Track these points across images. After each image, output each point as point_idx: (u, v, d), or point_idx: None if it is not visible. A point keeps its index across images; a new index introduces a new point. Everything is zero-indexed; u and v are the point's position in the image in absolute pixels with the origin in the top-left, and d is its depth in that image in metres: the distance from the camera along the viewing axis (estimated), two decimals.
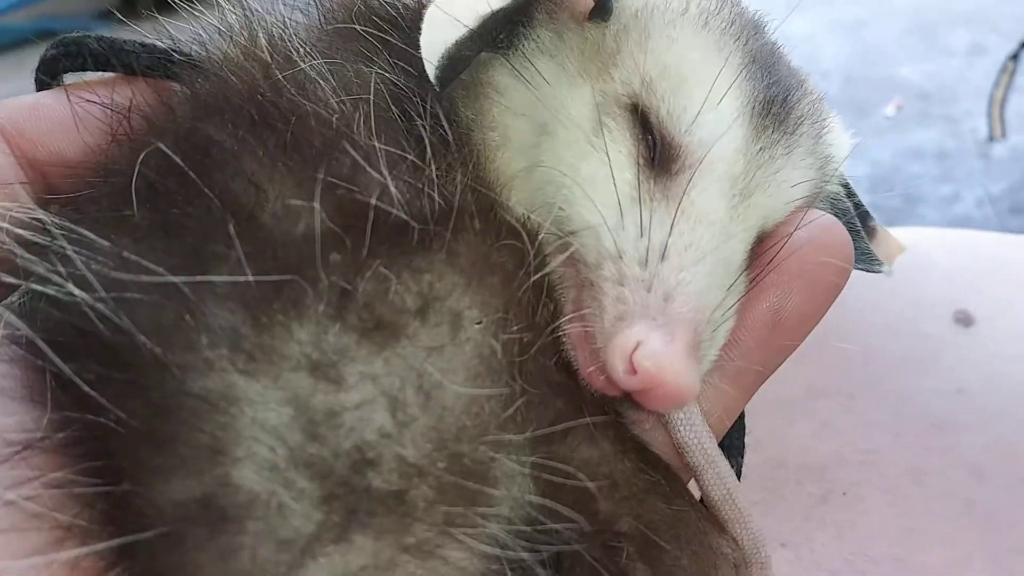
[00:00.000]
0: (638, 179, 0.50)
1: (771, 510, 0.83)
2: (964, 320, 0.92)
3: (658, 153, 0.51)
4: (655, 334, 0.45)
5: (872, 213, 0.64)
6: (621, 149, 0.51)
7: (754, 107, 0.53)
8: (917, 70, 3.29)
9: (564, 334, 0.49)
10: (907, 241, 0.65)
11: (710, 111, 0.51)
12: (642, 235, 0.49)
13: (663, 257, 0.48)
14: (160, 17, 0.58)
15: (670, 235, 0.49)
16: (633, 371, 0.45)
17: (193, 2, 0.58)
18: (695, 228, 0.49)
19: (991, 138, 2.89)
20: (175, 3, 0.60)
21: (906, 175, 2.86)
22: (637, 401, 0.47)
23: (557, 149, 0.52)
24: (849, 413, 0.88)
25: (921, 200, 2.79)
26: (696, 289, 0.48)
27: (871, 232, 0.63)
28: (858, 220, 0.63)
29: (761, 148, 0.52)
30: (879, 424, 0.87)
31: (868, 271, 0.61)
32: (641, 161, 0.51)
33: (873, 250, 0.62)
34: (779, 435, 0.88)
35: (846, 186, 0.62)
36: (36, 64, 0.56)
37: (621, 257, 0.48)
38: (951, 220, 2.66)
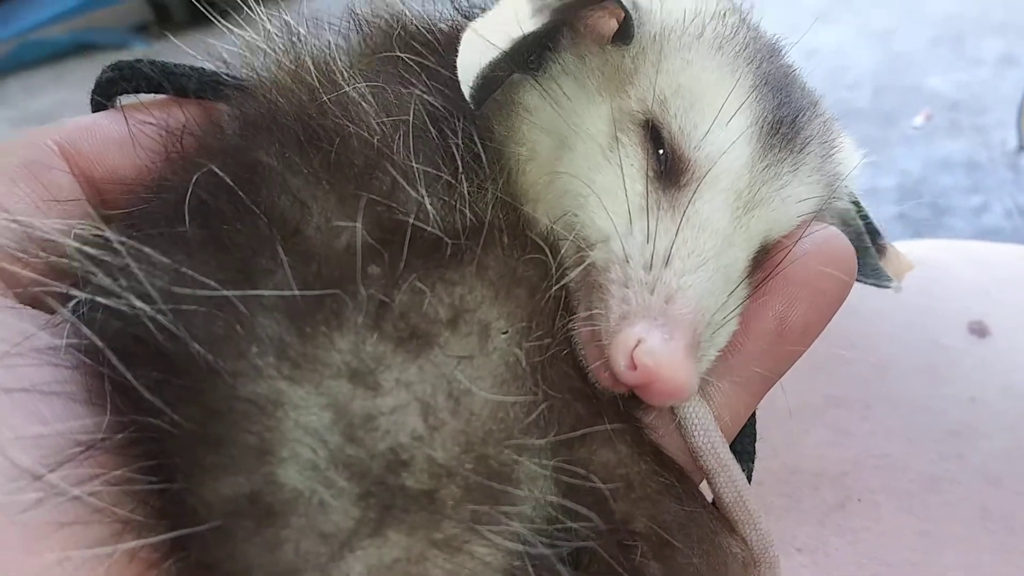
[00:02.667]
0: (647, 190, 0.53)
1: (787, 515, 0.85)
2: (979, 331, 0.94)
3: (668, 167, 0.54)
4: (655, 332, 0.48)
5: (899, 223, 0.66)
6: (633, 162, 0.54)
7: (762, 126, 0.55)
8: (947, 80, 3.28)
9: (576, 334, 0.52)
10: (922, 254, 0.67)
11: (719, 129, 0.54)
12: (648, 241, 0.52)
13: (667, 262, 0.51)
14: (194, 30, 0.61)
15: (674, 242, 0.52)
16: (634, 367, 0.48)
17: (227, 17, 0.61)
18: (698, 236, 0.52)
19: (1021, 148, 2.88)
20: (209, 16, 0.63)
21: (935, 186, 2.85)
22: (640, 396, 0.50)
23: (576, 161, 0.55)
24: (865, 421, 0.90)
25: (950, 211, 2.78)
26: (696, 292, 0.51)
27: (881, 249, 0.66)
28: (868, 237, 0.65)
29: (767, 165, 0.55)
30: (895, 432, 0.89)
31: (877, 286, 0.64)
32: (651, 174, 0.54)
33: (882, 267, 0.65)
34: (796, 442, 0.90)
35: (856, 204, 0.65)
36: (80, 75, 0.59)
37: (628, 261, 0.51)
38: (980, 231, 2.66)
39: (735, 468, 0.55)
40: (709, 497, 0.55)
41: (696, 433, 0.54)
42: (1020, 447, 0.87)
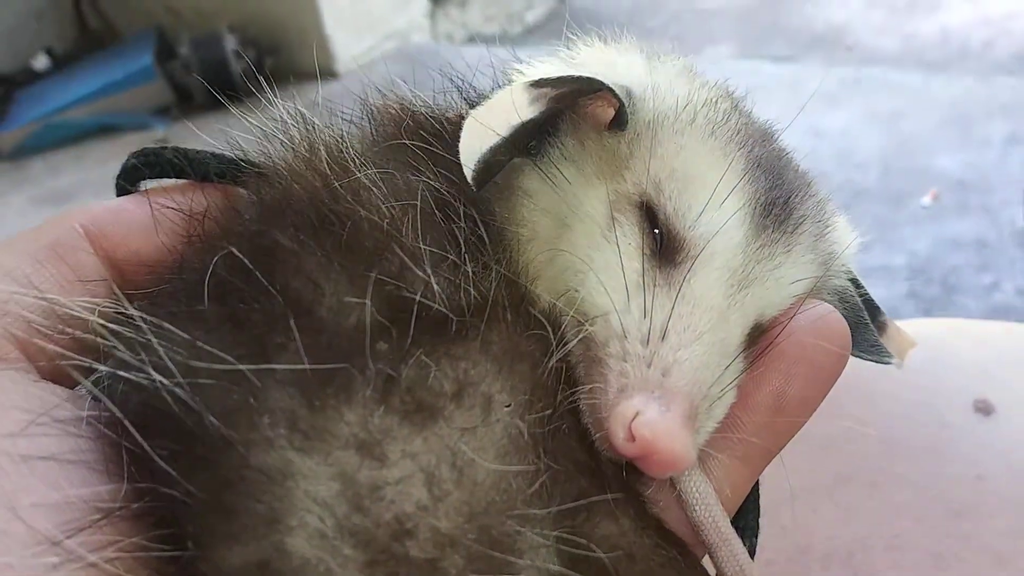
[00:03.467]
0: (644, 268, 0.56)
1: None
2: (984, 409, 0.94)
3: (663, 246, 0.56)
4: (652, 405, 0.50)
5: (910, 302, 0.67)
6: (631, 242, 0.57)
7: (755, 207, 0.58)
8: (954, 160, 3.33)
9: (579, 406, 0.54)
10: (926, 332, 0.68)
11: (713, 210, 0.57)
12: (645, 317, 0.54)
13: (663, 337, 0.53)
14: (214, 113, 0.63)
15: (670, 317, 0.54)
16: (632, 438, 0.50)
17: (245, 101, 0.64)
18: (693, 312, 0.54)
19: None
20: (227, 102, 0.66)
21: (945, 264, 2.87)
22: (640, 468, 0.51)
23: (575, 240, 0.57)
24: (872, 500, 0.90)
25: (960, 289, 2.79)
26: (692, 366, 0.53)
27: (881, 327, 0.67)
28: (867, 314, 0.66)
29: (761, 245, 0.57)
30: (902, 510, 0.89)
31: (878, 362, 0.65)
32: (648, 252, 0.56)
33: (883, 343, 0.66)
34: (806, 521, 0.90)
35: (854, 281, 0.66)
36: (100, 155, 0.61)
37: (626, 336, 0.54)
38: (991, 309, 2.66)
39: (736, 542, 0.55)
40: (712, 572, 0.56)
41: (697, 507, 0.55)
42: None
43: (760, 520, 0.60)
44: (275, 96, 0.62)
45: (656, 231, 0.57)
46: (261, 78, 0.64)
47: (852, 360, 0.59)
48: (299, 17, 4.42)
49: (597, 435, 0.53)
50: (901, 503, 0.90)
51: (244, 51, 4.13)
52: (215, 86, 0.64)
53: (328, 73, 4.26)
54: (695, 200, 0.57)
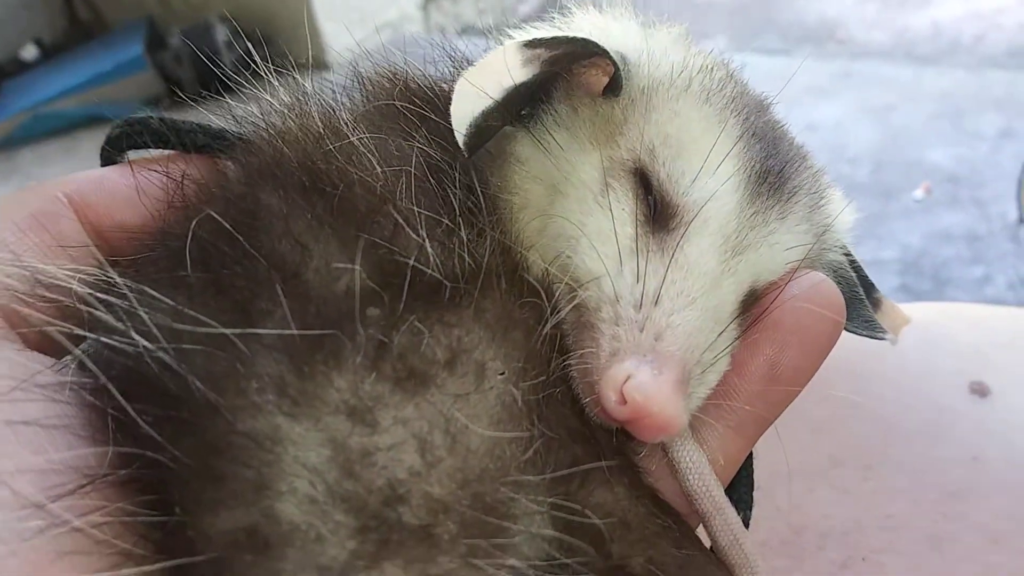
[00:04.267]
0: (636, 233, 0.55)
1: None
2: (980, 391, 0.94)
3: (657, 212, 0.56)
4: (644, 368, 0.50)
5: (902, 295, 0.67)
6: (624, 207, 0.56)
7: (749, 175, 0.57)
8: (946, 154, 3.33)
9: (571, 372, 0.53)
10: (921, 316, 0.68)
11: (707, 176, 0.56)
12: (638, 281, 0.53)
13: (656, 302, 0.52)
14: (203, 103, 0.63)
15: (663, 282, 0.53)
16: (624, 402, 0.49)
17: (235, 90, 0.63)
18: (686, 277, 0.54)
19: (1021, 221, 2.90)
20: (217, 89, 0.65)
21: (936, 258, 2.87)
22: (631, 432, 0.51)
23: (568, 206, 0.57)
24: (867, 481, 0.90)
25: (951, 282, 2.79)
26: (685, 331, 0.52)
27: (876, 303, 0.67)
28: (862, 290, 0.66)
29: (755, 212, 0.57)
30: (897, 491, 0.88)
31: (872, 337, 0.64)
32: (641, 218, 0.56)
33: (877, 319, 0.66)
34: (801, 502, 0.90)
35: (849, 256, 0.66)
36: (90, 146, 0.60)
37: (618, 301, 0.53)
38: (983, 302, 2.66)
39: (731, 512, 0.55)
40: (707, 542, 0.55)
41: (691, 476, 0.54)
42: (1020, 507, 0.86)
43: (755, 495, 0.59)
44: (268, 78, 0.61)
45: (650, 197, 0.56)
46: (253, 68, 0.63)
47: (847, 343, 0.58)
48: (290, 8, 4.40)
49: (587, 400, 0.52)
50: (896, 484, 0.89)
51: (235, 42, 4.11)
52: (206, 77, 0.63)
53: (320, 64, 4.24)
54: (689, 166, 0.56)
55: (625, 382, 0.49)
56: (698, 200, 0.56)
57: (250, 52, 0.64)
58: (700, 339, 0.53)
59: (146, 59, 4.44)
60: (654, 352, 0.51)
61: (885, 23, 4.60)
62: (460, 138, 0.52)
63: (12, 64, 4.79)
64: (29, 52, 4.85)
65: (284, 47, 0.63)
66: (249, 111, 0.60)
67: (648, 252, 0.54)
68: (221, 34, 4.23)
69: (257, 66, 0.62)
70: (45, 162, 4.02)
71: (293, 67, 0.62)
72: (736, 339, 0.55)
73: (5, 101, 4.46)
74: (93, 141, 0.62)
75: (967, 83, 3.81)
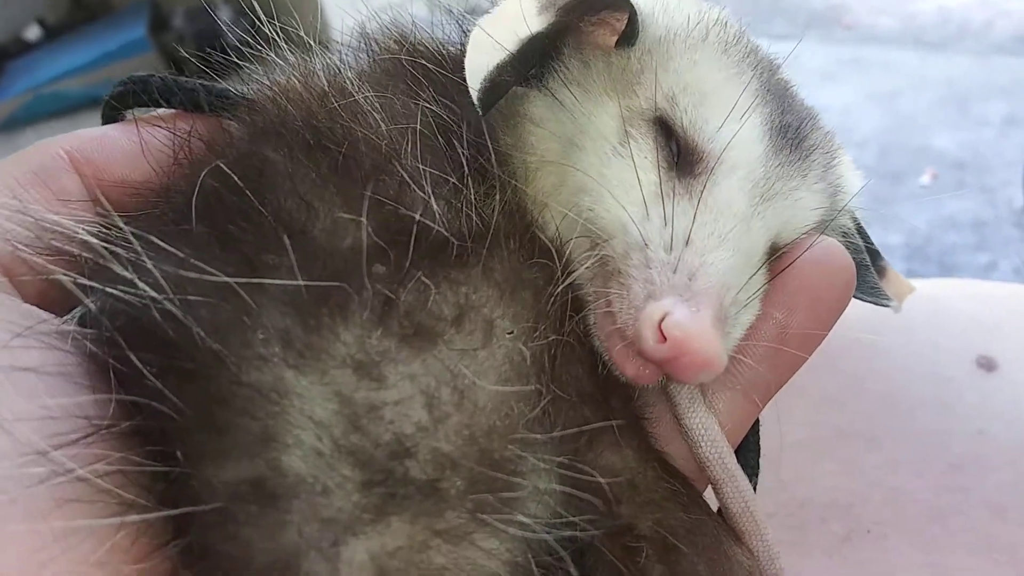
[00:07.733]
0: (660, 179, 0.54)
1: (796, 548, 0.84)
2: (987, 365, 0.93)
3: (680, 159, 0.55)
4: (682, 305, 0.48)
5: (908, 277, 0.66)
6: (646, 155, 0.55)
7: (771, 127, 0.56)
8: (952, 140, 3.32)
9: (591, 324, 0.53)
10: (927, 291, 0.67)
11: (732, 123, 0.55)
12: (666, 224, 0.52)
13: (687, 243, 0.51)
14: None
15: (693, 223, 0.52)
16: (663, 340, 0.47)
17: (238, 71, 0.62)
18: (717, 218, 0.53)
19: None
20: (220, 68, 0.64)
21: (942, 243, 2.86)
22: (669, 373, 0.49)
23: (587, 159, 0.56)
24: (872, 454, 0.89)
25: (957, 268, 2.79)
26: (719, 269, 0.51)
27: (881, 271, 0.66)
28: (868, 257, 0.65)
29: (779, 164, 0.56)
30: (902, 464, 0.88)
31: (876, 304, 0.64)
32: (664, 164, 0.55)
33: (882, 287, 0.65)
34: (805, 475, 0.89)
35: (856, 222, 0.65)
36: (92, 126, 0.59)
37: (647, 245, 0.51)
38: None
39: (742, 479, 0.54)
40: (714, 506, 0.55)
41: (703, 443, 0.54)
42: None
43: (760, 461, 0.59)
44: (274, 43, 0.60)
45: (672, 144, 0.55)
46: (256, 48, 0.62)
47: (854, 315, 0.57)
48: None
49: (616, 349, 0.51)
50: (901, 457, 0.89)
51: (239, 22, 4.09)
52: (209, 58, 0.62)
53: (323, 44, 4.22)
54: (712, 114, 0.55)
55: (662, 320, 0.48)
56: (725, 145, 0.55)
57: (253, 32, 0.63)
58: (735, 277, 0.52)
59: (149, 40, 4.42)
60: (690, 290, 0.50)
61: (892, 9, 4.57)
62: (474, 94, 0.51)
63: (15, 44, 4.77)
64: (32, 32, 4.81)
65: (287, 26, 0.62)
66: (253, 70, 0.59)
67: (675, 196, 0.53)
68: (225, 14, 4.21)
69: (260, 47, 0.61)
70: None
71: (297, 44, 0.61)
72: (764, 285, 0.54)
73: (7, 82, 4.44)
74: (96, 122, 0.61)
75: (974, 69, 3.79)
